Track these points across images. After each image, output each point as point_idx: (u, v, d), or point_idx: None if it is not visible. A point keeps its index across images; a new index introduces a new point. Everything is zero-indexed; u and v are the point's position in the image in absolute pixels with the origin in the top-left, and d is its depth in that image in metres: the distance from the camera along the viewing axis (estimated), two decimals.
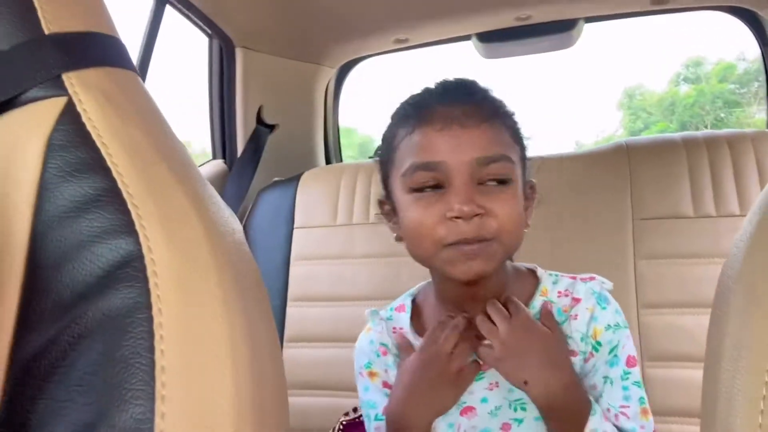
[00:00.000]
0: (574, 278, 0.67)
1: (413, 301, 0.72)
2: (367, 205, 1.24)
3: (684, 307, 0.98)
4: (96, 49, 0.32)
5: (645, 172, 1.07)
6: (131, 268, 0.25)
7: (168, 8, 1.17)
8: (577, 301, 0.64)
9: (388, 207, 0.68)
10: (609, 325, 0.63)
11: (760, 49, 1.41)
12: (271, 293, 1.24)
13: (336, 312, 1.19)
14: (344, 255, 1.22)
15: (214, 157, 1.45)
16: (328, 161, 1.73)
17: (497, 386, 0.64)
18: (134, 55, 1.11)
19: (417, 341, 0.67)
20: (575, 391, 0.61)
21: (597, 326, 0.63)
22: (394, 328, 0.71)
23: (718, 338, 0.33)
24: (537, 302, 0.66)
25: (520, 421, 0.64)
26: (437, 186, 0.59)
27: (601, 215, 1.07)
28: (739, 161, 1.03)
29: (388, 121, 0.67)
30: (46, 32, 0.30)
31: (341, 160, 1.81)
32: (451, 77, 0.65)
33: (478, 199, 0.57)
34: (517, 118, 0.65)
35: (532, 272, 0.70)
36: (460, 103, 0.60)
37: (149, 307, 0.24)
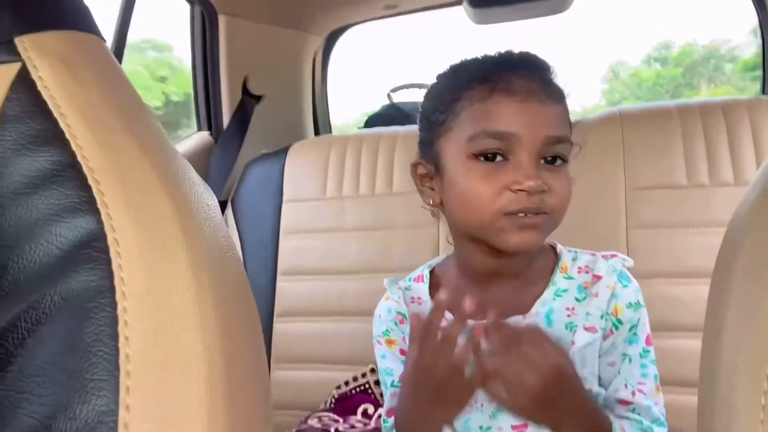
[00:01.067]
0: (594, 255, 0.67)
1: (431, 273, 0.72)
2: (356, 177, 1.22)
3: (677, 276, 0.98)
4: (53, 10, 0.29)
5: (638, 141, 1.05)
6: (93, 249, 0.23)
7: None
8: (598, 278, 0.64)
9: (424, 170, 0.67)
10: (630, 303, 0.63)
11: (758, 17, 1.39)
12: (260, 268, 1.23)
13: (326, 285, 1.18)
14: (334, 228, 1.20)
15: (199, 129, 1.41)
16: (317, 133, 1.70)
17: None
18: (112, 23, 1.07)
19: None
20: (588, 410, 0.60)
21: (618, 304, 0.63)
22: (413, 297, 0.71)
23: (718, 311, 0.32)
24: (558, 279, 0.66)
25: None
26: (500, 156, 0.59)
27: (593, 184, 1.05)
28: (734, 129, 1.01)
29: (440, 81, 0.66)
30: None
31: (330, 132, 1.78)
32: (514, 49, 0.65)
33: (541, 176, 0.58)
34: None
35: (552, 248, 0.70)
36: (537, 79, 0.60)
37: (112, 290, 0.22)
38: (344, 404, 1.08)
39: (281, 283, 1.22)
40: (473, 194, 0.59)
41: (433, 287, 0.70)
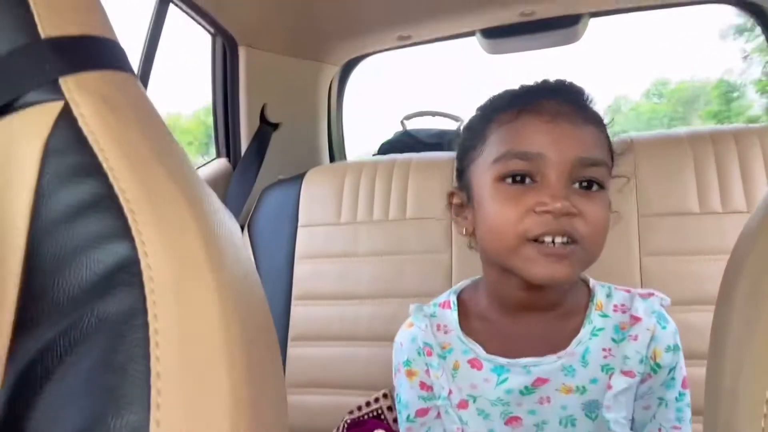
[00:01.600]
0: (629, 291, 0.65)
1: (458, 298, 0.69)
2: (371, 203, 1.24)
3: (690, 304, 0.97)
4: (93, 52, 0.32)
5: (650, 168, 1.06)
6: (127, 273, 0.25)
7: (171, 7, 1.17)
8: (636, 319, 0.61)
9: (458, 200, 0.66)
10: (669, 347, 0.61)
11: (766, 38, 1.40)
12: (275, 292, 1.24)
13: (340, 310, 1.19)
14: (348, 253, 1.22)
15: (218, 156, 1.45)
16: (332, 159, 1.73)
17: (548, 401, 0.62)
18: (137, 55, 1.12)
19: (465, 344, 0.64)
20: None
21: (657, 347, 0.61)
22: (438, 325, 0.67)
23: (721, 333, 0.33)
24: (594, 317, 0.62)
25: None
26: (528, 178, 0.56)
27: None
28: (745, 157, 1.02)
29: (477, 112, 0.66)
30: (43, 36, 0.30)
31: (345, 158, 1.81)
32: (551, 78, 0.63)
33: (571, 199, 0.54)
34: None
35: (585, 282, 0.67)
36: (570, 101, 0.59)
37: (145, 312, 0.24)
38: (357, 429, 1.08)
39: (296, 308, 1.23)
40: (499, 218, 0.57)
41: (461, 315, 0.67)
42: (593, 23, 1.43)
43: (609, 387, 0.60)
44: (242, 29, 1.33)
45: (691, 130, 1.10)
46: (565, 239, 0.54)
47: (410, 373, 0.67)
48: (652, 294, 0.63)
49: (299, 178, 1.33)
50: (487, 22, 1.41)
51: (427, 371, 0.66)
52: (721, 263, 1.04)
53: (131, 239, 0.26)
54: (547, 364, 0.61)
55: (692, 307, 0.97)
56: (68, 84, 0.29)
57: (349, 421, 1.12)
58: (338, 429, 1.12)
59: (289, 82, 1.52)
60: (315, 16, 1.35)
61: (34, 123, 0.28)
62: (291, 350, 1.21)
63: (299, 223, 1.28)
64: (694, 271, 0.98)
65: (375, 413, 1.11)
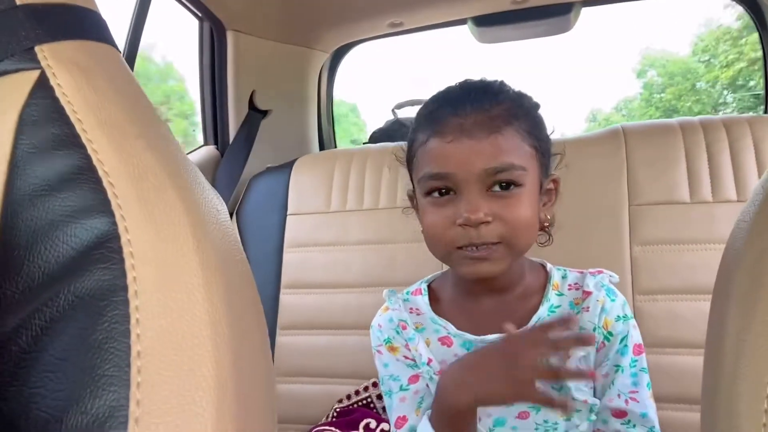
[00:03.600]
0: (582, 272, 0.70)
1: (429, 287, 0.75)
2: (361, 191, 1.23)
3: (680, 293, 0.97)
4: (71, 21, 0.30)
5: (641, 157, 1.06)
6: (106, 249, 0.24)
7: None
8: (587, 293, 0.67)
9: (415, 201, 0.72)
10: (618, 316, 0.66)
11: (759, 34, 1.40)
12: (264, 281, 1.23)
13: (329, 299, 1.18)
14: (338, 242, 1.21)
15: (206, 143, 1.43)
16: (321, 147, 1.72)
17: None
18: (123, 38, 1.09)
19: (436, 323, 0.70)
20: None
21: (608, 317, 0.66)
22: (411, 308, 0.73)
23: (718, 326, 0.32)
24: (551, 296, 0.68)
25: (537, 408, 0.66)
26: (451, 190, 0.62)
27: (596, 201, 1.06)
28: (735, 146, 1.02)
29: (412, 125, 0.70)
30: (18, 2, 0.28)
31: (335, 146, 1.80)
32: (474, 77, 0.67)
33: (486, 206, 0.60)
34: (538, 113, 0.66)
35: (542, 266, 0.73)
36: (474, 112, 0.61)
37: (125, 289, 0.23)
38: (346, 418, 1.07)
39: (284, 297, 1.22)
40: (430, 229, 0.64)
41: (432, 300, 0.73)
42: (585, 13, 1.42)
43: (569, 356, 0.63)
44: (230, 13, 1.31)
45: (682, 120, 1.10)
46: (484, 246, 0.60)
47: (392, 349, 0.72)
48: (602, 271, 0.69)
49: (288, 166, 1.32)
50: (479, 9, 1.40)
51: (407, 345, 0.71)
52: (712, 252, 1.05)
53: (110, 214, 0.24)
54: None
55: (682, 296, 0.97)
56: (45, 53, 0.28)
57: (338, 409, 1.11)
58: (327, 417, 1.12)
59: (279, 69, 1.50)
60: (305, 1, 1.33)
61: (8, 92, 0.27)
62: (280, 339, 1.20)
63: (288, 212, 1.27)
64: (685, 260, 0.98)
65: (364, 402, 1.10)
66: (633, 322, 0.67)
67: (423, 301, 0.73)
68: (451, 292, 0.73)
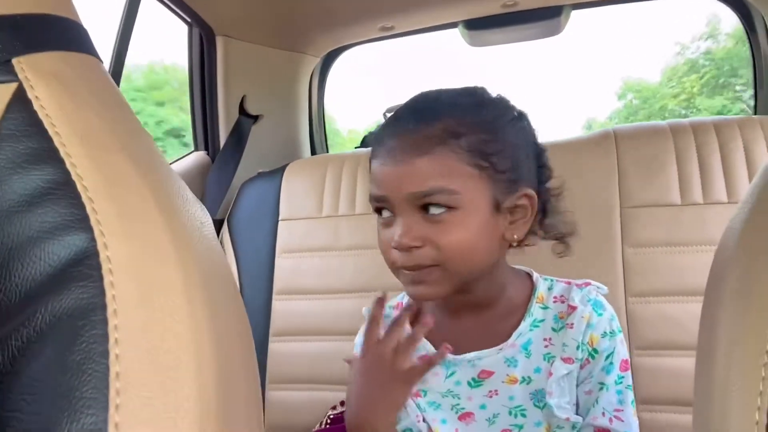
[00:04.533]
0: (569, 283, 0.68)
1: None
2: (352, 196, 1.22)
3: (672, 295, 0.97)
4: (50, 32, 0.30)
5: (632, 160, 1.06)
6: (85, 266, 0.23)
7: None
8: (573, 308, 0.65)
9: None
10: (605, 333, 0.64)
11: (747, 36, 1.41)
12: (255, 287, 1.22)
13: (322, 305, 1.18)
14: (330, 247, 1.20)
15: (196, 149, 1.42)
16: (313, 152, 1.71)
17: (497, 394, 0.65)
18: (111, 45, 1.08)
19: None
20: None
21: (593, 334, 0.64)
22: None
23: (710, 329, 0.32)
24: (535, 309, 0.67)
25: (520, 426, 0.64)
26: (389, 211, 0.62)
27: (588, 203, 1.06)
28: (726, 147, 1.02)
29: None
30: None
31: (327, 151, 1.79)
32: (420, 96, 0.65)
33: (419, 230, 0.59)
34: (504, 124, 0.62)
35: (528, 275, 0.71)
36: (406, 133, 0.60)
37: (104, 308, 0.22)
38: (340, 425, 1.06)
39: (277, 303, 1.21)
40: (380, 248, 0.64)
41: (412, 316, 0.71)
42: (575, 15, 1.42)
43: (550, 374, 0.63)
44: (219, 19, 1.30)
45: (673, 122, 1.10)
46: (418, 269, 0.60)
47: None
48: (589, 284, 0.67)
49: (280, 171, 1.31)
50: (469, 12, 1.40)
51: None
52: (703, 254, 1.05)
53: (89, 230, 0.24)
54: (489, 357, 0.65)
55: (674, 298, 0.97)
56: (22, 65, 0.27)
57: (332, 416, 1.10)
58: (320, 424, 1.11)
59: (269, 74, 1.49)
60: (295, 6, 1.32)
61: None
62: (272, 345, 1.19)
63: (280, 217, 1.26)
64: (676, 262, 0.98)
65: None
66: (620, 337, 0.65)
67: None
68: (431, 307, 0.71)
